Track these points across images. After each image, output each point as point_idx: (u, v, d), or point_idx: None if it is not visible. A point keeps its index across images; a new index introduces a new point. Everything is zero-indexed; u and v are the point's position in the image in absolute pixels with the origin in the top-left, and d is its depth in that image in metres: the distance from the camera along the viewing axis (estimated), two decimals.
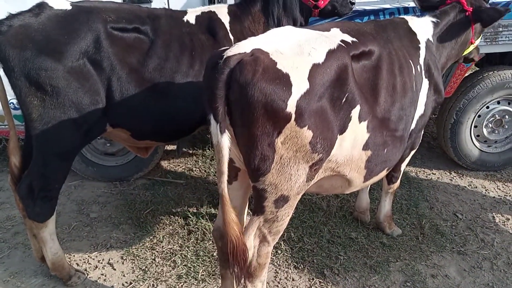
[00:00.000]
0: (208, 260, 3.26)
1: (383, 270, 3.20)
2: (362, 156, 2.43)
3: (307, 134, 1.99)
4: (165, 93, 2.76)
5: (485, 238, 3.59)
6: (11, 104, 2.83)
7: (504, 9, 2.93)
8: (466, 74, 4.22)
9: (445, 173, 4.59)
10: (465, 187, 4.35)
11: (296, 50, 2.01)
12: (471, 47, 3.19)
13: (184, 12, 2.99)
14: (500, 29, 3.95)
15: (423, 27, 2.90)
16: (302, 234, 3.53)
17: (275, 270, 3.20)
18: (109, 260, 3.31)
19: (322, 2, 3.13)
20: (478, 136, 4.50)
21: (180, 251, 3.36)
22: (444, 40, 3.01)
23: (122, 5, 2.84)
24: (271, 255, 3.25)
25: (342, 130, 2.21)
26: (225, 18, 2.97)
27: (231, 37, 2.95)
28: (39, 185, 2.71)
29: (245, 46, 1.97)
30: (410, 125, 2.74)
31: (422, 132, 3.11)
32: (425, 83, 2.81)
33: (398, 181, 3.43)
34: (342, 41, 2.22)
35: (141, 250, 3.38)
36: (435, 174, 4.57)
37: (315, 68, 1.99)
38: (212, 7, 3.07)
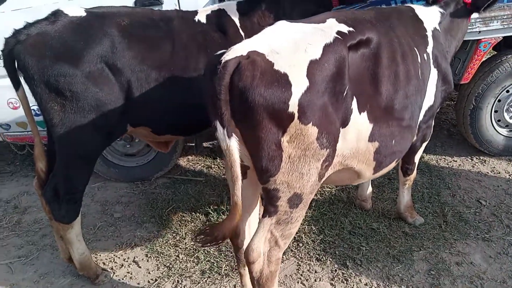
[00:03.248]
0: (231, 255, 3.29)
1: (407, 260, 3.18)
2: (370, 148, 2.39)
3: (313, 130, 1.98)
4: (182, 90, 2.81)
5: (511, 224, 3.53)
6: (32, 110, 2.90)
7: None
8: (484, 59, 4.14)
9: (467, 160, 4.52)
10: (488, 173, 4.28)
11: (292, 48, 1.98)
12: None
13: (195, 12, 3.02)
14: None
15: (431, 16, 2.85)
16: (323, 226, 3.54)
17: (297, 262, 3.22)
18: (134, 258, 3.38)
19: None
20: (499, 121, 4.42)
21: (202, 247, 3.41)
22: (451, 30, 2.99)
23: (135, 9, 2.89)
24: (292, 248, 3.30)
25: (345, 123, 2.17)
26: (235, 15, 2.99)
27: (242, 33, 2.97)
28: (64, 188, 2.78)
29: (240, 49, 1.94)
30: (417, 114, 2.67)
31: (433, 123, 3.06)
32: (434, 73, 2.75)
33: (414, 172, 3.39)
34: (338, 32, 2.16)
35: (164, 248, 3.44)
36: (456, 161, 4.51)
37: (312, 64, 1.96)
38: (221, 5, 3.09)
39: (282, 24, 2.14)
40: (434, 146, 4.73)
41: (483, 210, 3.73)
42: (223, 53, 1.97)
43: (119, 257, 3.40)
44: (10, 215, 3.96)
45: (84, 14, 2.65)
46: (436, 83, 2.78)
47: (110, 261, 3.37)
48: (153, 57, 2.70)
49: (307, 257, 3.26)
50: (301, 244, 3.38)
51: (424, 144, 3.15)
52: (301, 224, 3.55)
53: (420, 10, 2.83)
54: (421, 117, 2.75)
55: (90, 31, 2.57)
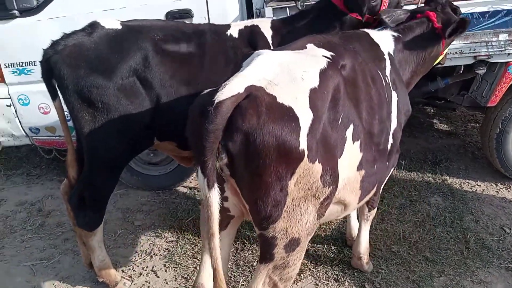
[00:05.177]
0: (248, 270, 3.30)
1: (427, 285, 3.13)
2: (357, 176, 2.29)
3: (318, 168, 1.84)
4: None
5: None
6: None
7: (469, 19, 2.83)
8: None
9: (491, 185, 4.43)
10: None
11: (288, 78, 1.84)
12: (440, 58, 3.10)
13: (228, 26, 3.06)
14: None
15: (384, 40, 2.76)
16: (343, 246, 3.52)
17: (315, 282, 3.20)
18: (152, 267, 3.41)
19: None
20: None
21: None
22: (409, 56, 2.87)
23: (168, 22, 2.94)
24: (311, 267, 3.28)
25: (340, 154, 2.04)
26: (268, 32, 3.02)
27: None
28: (89, 196, 2.85)
29: (235, 85, 1.76)
30: (389, 138, 2.58)
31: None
32: (394, 95, 2.65)
33: (376, 207, 3.15)
34: (324, 56, 2.08)
35: (183, 259, 3.47)
36: (480, 185, 4.43)
37: (313, 93, 1.83)
38: (255, 21, 3.12)
39: (267, 54, 2.00)
40: (458, 169, 4.66)
41: (507, 238, 3.65)
42: (215, 91, 1.80)
43: (138, 266, 3.44)
44: (34, 218, 4.06)
45: (119, 27, 2.72)
46: (397, 106, 2.68)
47: (129, 269, 3.41)
48: (183, 72, 2.75)
49: (325, 277, 3.24)
50: (319, 263, 3.36)
51: (392, 170, 2.95)
52: (320, 243, 3.55)
53: (375, 34, 2.76)
54: (391, 141, 2.62)
55: (125, 45, 2.64)
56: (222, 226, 2.13)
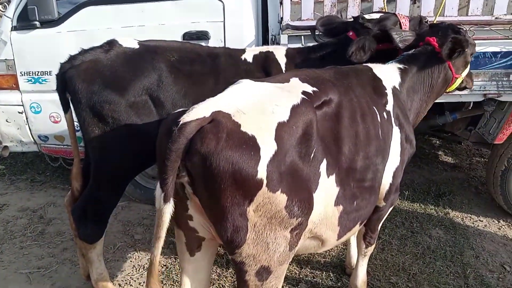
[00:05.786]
0: None
1: None
2: (335, 212, 2.27)
3: (281, 198, 1.84)
4: None
5: None
6: None
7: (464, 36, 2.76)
8: None
9: (493, 221, 4.42)
10: None
11: (258, 109, 1.87)
12: (458, 81, 3.02)
13: (243, 51, 3.11)
14: None
15: (389, 74, 2.74)
16: (341, 274, 3.50)
17: None
18: None
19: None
20: None
21: (218, 280, 3.41)
22: (416, 84, 2.83)
23: (184, 44, 3.00)
24: None
25: (315, 188, 2.06)
26: (282, 59, 3.06)
27: None
28: (92, 209, 2.85)
29: (203, 109, 1.81)
30: (380, 176, 2.51)
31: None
32: (396, 131, 2.61)
33: (374, 244, 3.08)
34: (304, 92, 2.08)
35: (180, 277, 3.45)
36: (482, 221, 4.41)
37: (280, 127, 1.84)
38: (270, 48, 3.17)
39: (246, 83, 2.05)
40: (461, 203, 4.65)
41: (507, 276, 3.62)
42: (183, 111, 1.85)
43: (135, 280, 3.43)
44: (35, 225, 4.06)
45: (137, 46, 2.78)
46: (400, 142, 2.63)
47: (126, 283, 3.40)
48: (195, 92, 2.79)
49: None
50: None
51: (391, 209, 2.90)
52: (319, 269, 3.54)
53: (378, 69, 2.73)
54: (390, 179, 2.60)
55: (140, 64, 2.69)
56: (195, 248, 2.18)
